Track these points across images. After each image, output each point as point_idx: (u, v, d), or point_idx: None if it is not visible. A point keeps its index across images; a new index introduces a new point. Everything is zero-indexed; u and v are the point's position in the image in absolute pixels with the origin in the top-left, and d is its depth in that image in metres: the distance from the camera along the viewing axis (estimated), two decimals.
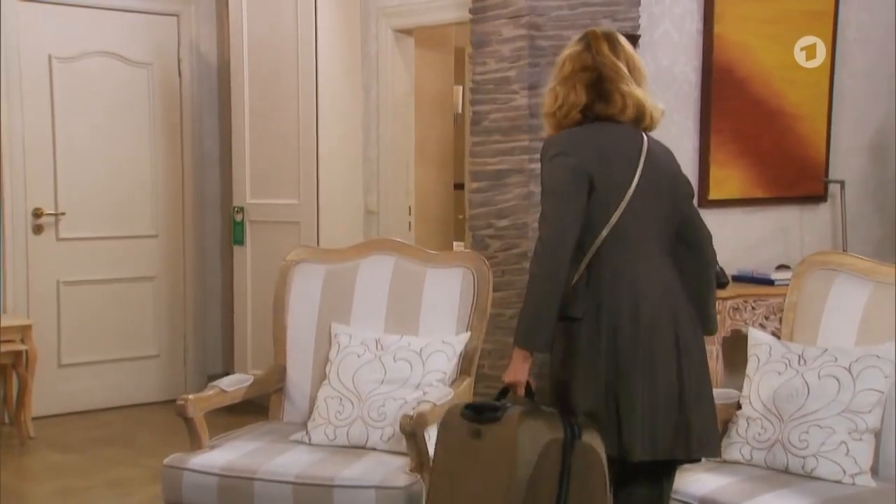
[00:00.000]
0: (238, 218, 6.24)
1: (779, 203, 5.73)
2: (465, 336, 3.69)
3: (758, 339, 3.39)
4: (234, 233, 6.27)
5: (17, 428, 5.77)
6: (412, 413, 3.29)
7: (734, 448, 3.28)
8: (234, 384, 3.74)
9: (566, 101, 3.09)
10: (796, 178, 5.75)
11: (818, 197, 5.84)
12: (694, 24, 5.37)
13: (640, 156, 3.09)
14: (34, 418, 5.83)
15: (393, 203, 6.06)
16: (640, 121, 3.14)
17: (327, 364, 3.73)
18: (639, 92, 3.14)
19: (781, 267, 5.58)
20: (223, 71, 6.73)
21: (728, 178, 5.52)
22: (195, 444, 3.57)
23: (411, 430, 3.27)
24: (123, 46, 6.46)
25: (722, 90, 5.44)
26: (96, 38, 6.35)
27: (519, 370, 2.97)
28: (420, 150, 6.18)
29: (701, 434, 2.96)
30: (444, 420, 3.06)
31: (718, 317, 4.81)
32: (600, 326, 2.96)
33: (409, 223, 6.07)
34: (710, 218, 5.47)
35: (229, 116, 6.45)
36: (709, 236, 3.29)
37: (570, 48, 3.18)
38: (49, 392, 6.15)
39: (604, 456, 2.92)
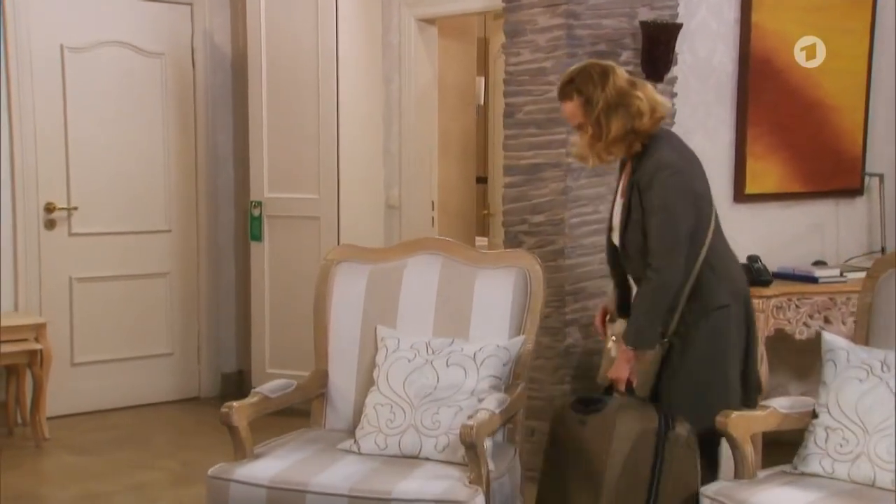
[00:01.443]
0: (255, 213, 6.06)
1: (815, 197, 5.58)
2: (520, 339, 3.54)
3: (833, 344, 3.23)
4: (252, 228, 6.09)
5: (32, 429, 5.58)
6: (472, 423, 3.13)
7: (813, 459, 3.11)
8: (277, 390, 3.57)
9: (657, 103, 3.44)
10: (833, 172, 5.61)
11: (854, 190, 5.70)
12: (731, 13, 5.22)
13: None
14: (47, 418, 5.65)
15: (415, 197, 5.89)
16: None
17: (374, 369, 3.56)
18: None
19: (818, 263, 5.43)
20: (237, 61, 6.55)
21: (765, 172, 5.38)
22: (240, 454, 3.40)
23: (471, 442, 3.11)
24: (136, 36, 6.26)
25: (759, 81, 5.29)
26: (109, 28, 6.16)
27: (624, 368, 3.39)
28: (442, 144, 6.02)
29: None
30: (557, 414, 3.46)
31: (762, 315, 4.73)
32: (740, 311, 3.44)
33: (432, 218, 5.91)
34: (745, 212, 5.40)
35: (244, 108, 6.28)
36: None
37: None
38: (61, 392, 5.97)
39: (696, 447, 3.26)
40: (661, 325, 3.36)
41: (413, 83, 5.82)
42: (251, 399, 3.49)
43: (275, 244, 6.00)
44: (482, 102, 6.72)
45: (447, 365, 3.45)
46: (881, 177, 5.59)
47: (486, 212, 5.84)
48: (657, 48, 4.73)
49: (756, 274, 4.79)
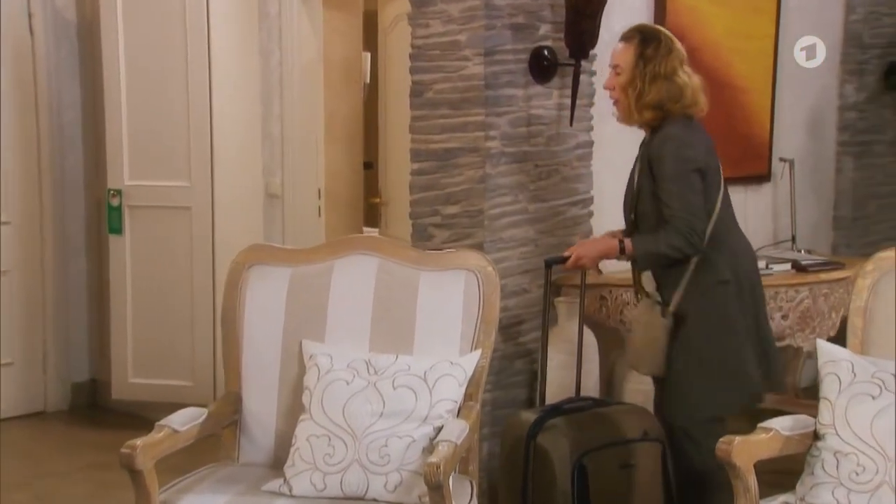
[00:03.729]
0: (114, 203, 5.35)
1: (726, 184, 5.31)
2: (476, 355, 3.04)
3: (833, 355, 2.86)
4: (110, 220, 5.37)
5: None
6: (437, 460, 2.63)
7: (823, 490, 2.73)
8: (186, 422, 2.96)
9: (697, 101, 3.53)
10: (743, 157, 5.36)
11: (762, 177, 5.46)
12: None
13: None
14: None
15: (299, 185, 5.31)
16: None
17: (304, 393, 3.01)
18: None
19: None
20: (85, 29, 5.78)
21: None
22: (144, 503, 2.78)
23: (438, 482, 2.61)
24: None
25: None
26: None
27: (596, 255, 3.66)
28: (327, 126, 5.44)
29: None
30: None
31: None
32: (744, 288, 3.45)
33: (319, 208, 5.34)
34: None
35: (95, 83, 5.56)
36: None
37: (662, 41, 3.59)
38: None
39: (557, 457, 3.34)
40: (666, 298, 3.47)
41: (296, 58, 5.22)
42: (156, 435, 2.88)
43: (138, 238, 5.31)
44: (368, 80, 6.16)
45: (393, 387, 2.93)
46: (791, 162, 5.36)
47: (377, 200, 5.31)
48: (582, 21, 4.31)
49: None
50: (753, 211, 5.44)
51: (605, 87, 3.68)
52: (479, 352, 3.05)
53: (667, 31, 3.64)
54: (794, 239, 5.33)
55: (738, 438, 2.74)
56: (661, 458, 3.51)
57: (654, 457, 3.51)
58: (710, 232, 3.42)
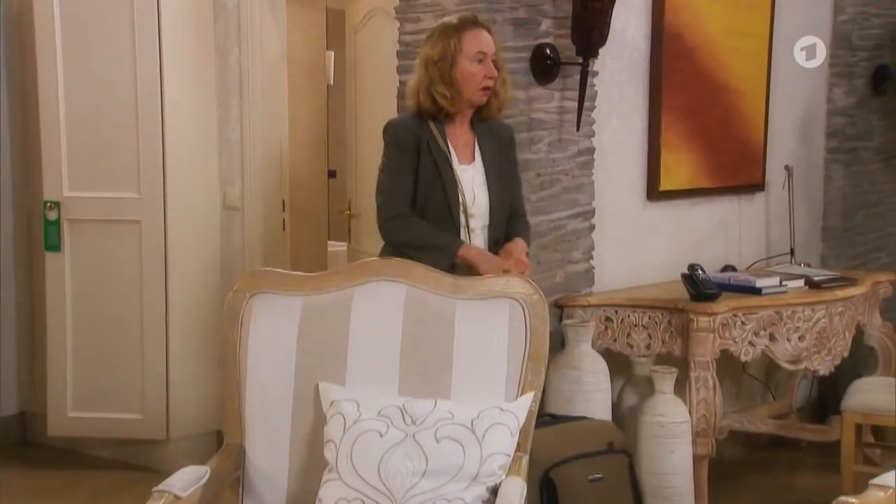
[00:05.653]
0: (51, 216, 4.77)
1: (720, 194, 5.01)
2: (527, 399, 2.61)
3: None
4: (47, 236, 4.79)
5: None
6: None
7: None
8: (189, 485, 2.46)
9: None
10: (737, 165, 5.04)
11: (756, 186, 5.14)
12: None
13: None
14: None
15: (261, 196, 4.79)
16: None
17: (326, 446, 2.54)
18: None
19: (728, 268, 4.85)
20: (12, 23, 5.19)
21: (679, 165, 4.73)
22: None
23: None
24: None
25: (673, 60, 4.64)
26: None
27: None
28: (290, 131, 4.94)
29: None
30: None
31: (710, 336, 4.04)
32: None
33: (284, 221, 4.83)
34: (660, 213, 4.69)
35: (27, 82, 4.99)
36: None
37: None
38: None
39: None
40: None
41: (258, 57, 4.70)
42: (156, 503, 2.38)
43: (80, 255, 4.74)
44: (332, 81, 5.67)
45: (436, 439, 2.48)
46: (790, 170, 5.05)
47: (347, 212, 4.84)
48: (591, 17, 3.92)
49: (701, 286, 4.08)
50: (746, 222, 5.13)
51: (490, 77, 3.37)
52: (530, 395, 2.62)
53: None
54: (793, 252, 5.02)
55: (852, 500, 2.34)
56: (628, 470, 3.52)
57: (621, 468, 3.49)
58: None
